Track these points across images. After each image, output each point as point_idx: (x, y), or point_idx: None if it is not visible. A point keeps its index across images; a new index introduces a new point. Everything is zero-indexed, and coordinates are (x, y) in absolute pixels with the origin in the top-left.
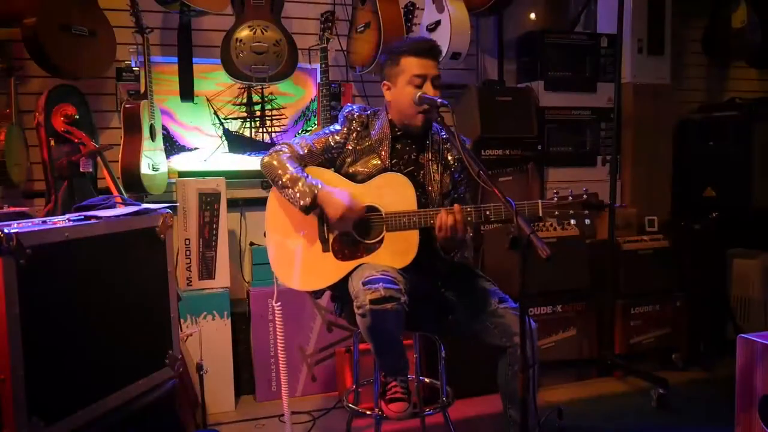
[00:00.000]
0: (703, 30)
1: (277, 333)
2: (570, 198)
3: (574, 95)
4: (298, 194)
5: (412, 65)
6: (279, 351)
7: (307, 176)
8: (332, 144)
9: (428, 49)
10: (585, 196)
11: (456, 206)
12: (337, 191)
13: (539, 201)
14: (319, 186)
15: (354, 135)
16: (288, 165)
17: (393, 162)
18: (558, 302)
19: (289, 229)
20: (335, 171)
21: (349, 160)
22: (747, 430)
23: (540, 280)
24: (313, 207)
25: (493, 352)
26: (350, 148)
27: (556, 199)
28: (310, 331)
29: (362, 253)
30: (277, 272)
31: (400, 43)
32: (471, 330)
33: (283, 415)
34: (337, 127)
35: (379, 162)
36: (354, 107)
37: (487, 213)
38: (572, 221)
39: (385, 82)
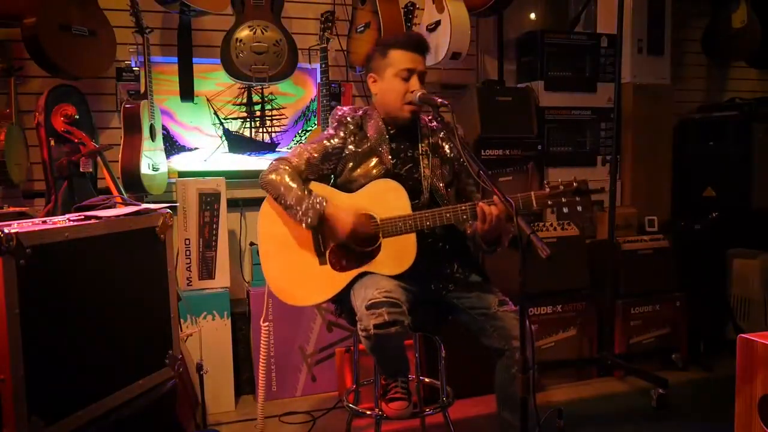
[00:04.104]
0: (703, 30)
1: (260, 351)
2: (561, 187)
3: (574, 95)
4: (303, 213)
5: (400, 58)
6: (260, 372)
7: (311, 193)
8: (330, 150)
9: (417, 44)
10: (575, 184)
11: (495, 198)
12: (343, 212)
13: (531, 192)
14: (325, 204)
15: (352, 138)
16: (291, 184)
17: (393, 163)
18: (558, 302)
19: (284, 245)
20: (336, 177)
21: (350, 165)
22: (747, 430)
23: (540, 280)
24: (320, 225)
25: (491, 354)
26: (350, 151)
27: (547, 189)
28: (310, 331)
29: (360, 262)
30: (276, 291)
31: (389, 38)
32: (469, 331)
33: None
34: (332, 131)
35: (382, 165)
36: (345, 109)
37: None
38: (564, 209)
39: (371, 74)
